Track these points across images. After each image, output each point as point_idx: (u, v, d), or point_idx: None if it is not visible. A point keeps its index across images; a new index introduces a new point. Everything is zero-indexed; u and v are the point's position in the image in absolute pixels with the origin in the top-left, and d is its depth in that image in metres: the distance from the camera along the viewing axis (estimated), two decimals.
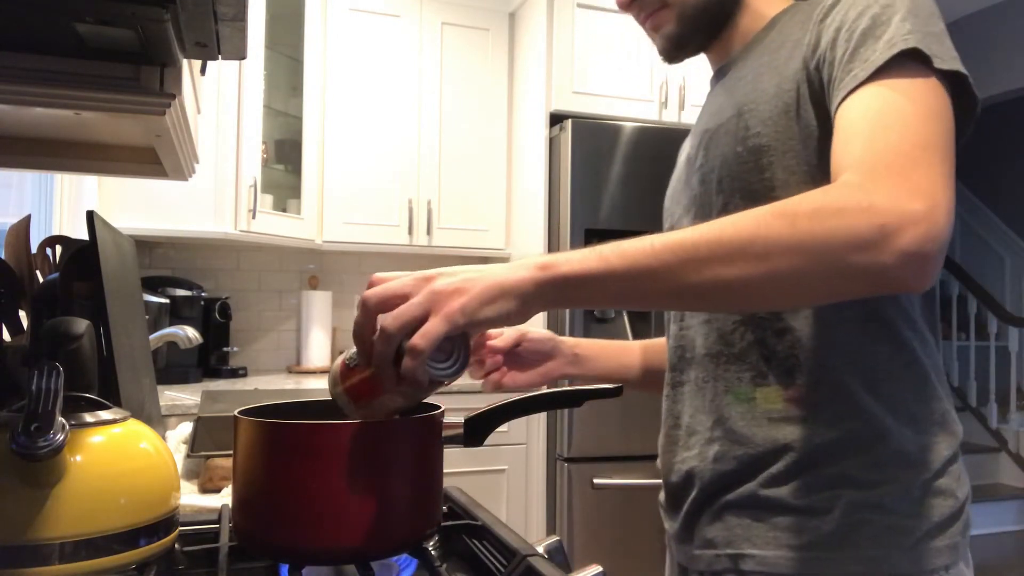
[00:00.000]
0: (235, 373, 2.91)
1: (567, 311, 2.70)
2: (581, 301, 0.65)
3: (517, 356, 1.00)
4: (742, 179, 0.80)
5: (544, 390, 0.83)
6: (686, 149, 0.94)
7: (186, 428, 1.40)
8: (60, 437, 0.55)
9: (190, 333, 1.53)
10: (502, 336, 0.98)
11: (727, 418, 0.81)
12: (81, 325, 0.80)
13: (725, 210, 0.80)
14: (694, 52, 0.91)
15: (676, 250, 0.62)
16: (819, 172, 0.75)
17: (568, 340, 1.04)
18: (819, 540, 0.74)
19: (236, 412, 0.70)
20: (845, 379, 0.76)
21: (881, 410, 0.75)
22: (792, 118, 0.76)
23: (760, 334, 0.79)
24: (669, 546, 0.92)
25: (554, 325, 2.78)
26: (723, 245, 0.61)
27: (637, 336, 2.82)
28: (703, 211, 0.85)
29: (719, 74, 0.91)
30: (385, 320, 0.61)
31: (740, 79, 0.85)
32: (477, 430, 0.75)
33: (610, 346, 1.07)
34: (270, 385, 2.70)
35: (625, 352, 1.07)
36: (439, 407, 0.73)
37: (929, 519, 0.74)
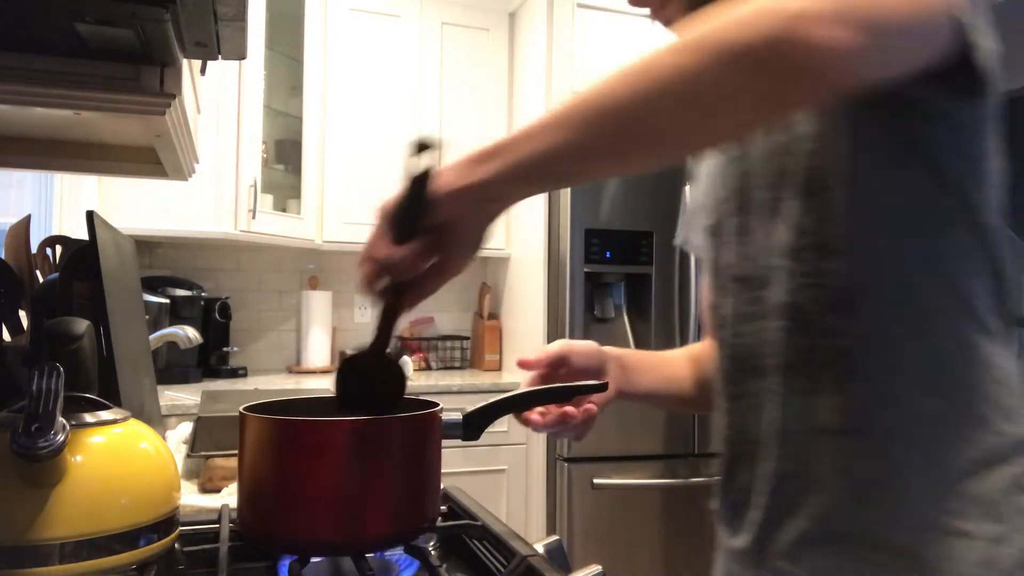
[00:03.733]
0: (235, 373, 2.91)
1: (567, 312, 2.70)
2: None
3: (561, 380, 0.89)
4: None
5: (531, 388, 0.84)
6: None
7: (186, 428, 1.40)
8: (60, 437, 0.55)
9: (190, 333, 1.53)
10: (540, 359, 0.88)
11: (787, 432, 0.74)
12: (81, 325, 0.80)
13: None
14: None
15: (565, 110, 0.60)
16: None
17: (611, 351, 0.93)
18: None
19: (242, 408, 0.71)
20: (904, 381, 0.69)
21: (942, 410, 0.68)
22: None
23: (814, 339, 0.72)
24: (727, 563, 0.83)
25: (554, 324, 2.78)
26: (614, 75, 0.59)
27: (637, 337, 2.82)
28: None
29: None
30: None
31: None
32: (474, 425, 0.78)
33: (654, 357, 0.98)
34: (270, 385, 2.70)
35: (670, 364, 0.97)
36: (437, 404, 0.75)
37: (1020, 545, 0.66)
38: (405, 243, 0.64)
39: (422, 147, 0.64)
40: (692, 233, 0.95)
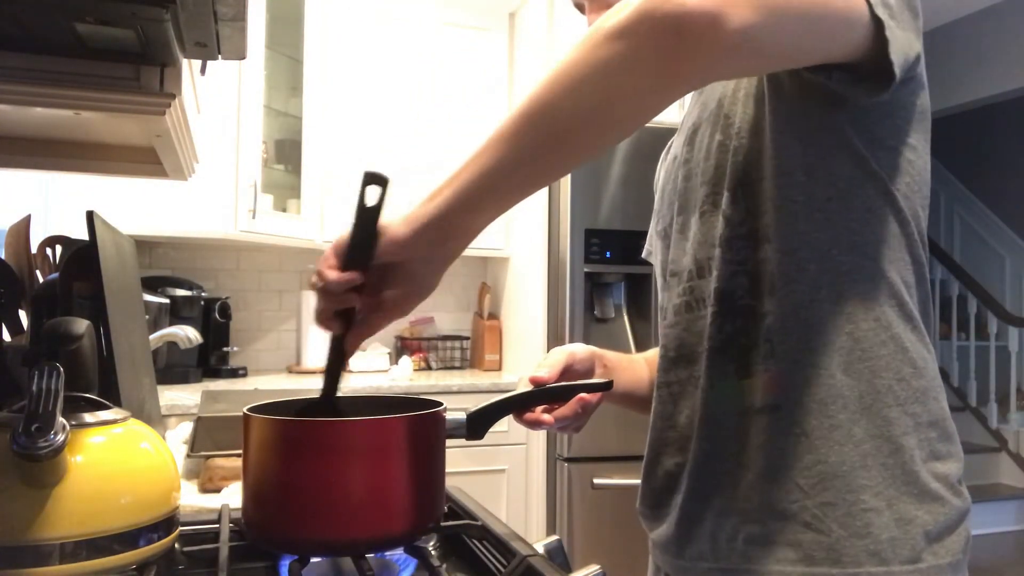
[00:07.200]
0: (235, 373, 2.91)
1: (567, 312, 2.70)
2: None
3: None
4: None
5: (534, 387, 0.84)
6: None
7: (186, 428, 1.40)
8: (60, 437, 0.55)
9: (190, 333, 1.53)
10: (547, 370, 0.87)
11: (713, 413, 0.77)
12: (81, 325, 0.80)
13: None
14: None
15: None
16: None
17: (596, 352, 0.96)
18: (824, 554, 0.69)
19: (245, 409, 0.71)
20: (822, 360, 0.71)
21: (856, 388, 0.71)
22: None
23: (740, 323, 0.75)
24: (652, 557, 0.88)
25: (554, 324, 2.78)
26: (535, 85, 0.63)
27: (637, 337, 2.82)
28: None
29: None
30: None
31: None
32: (478, 424, 0.79)
33: (625, 358, 1.01)
34: (270, 385, 2.70)
35: (637, 365, 1.00)
36: (441, 404, 0.75)
37: (923, 527, 0.69)
38: (348, 272, 0.66)
39: (372, 180, 0.65)
40: (650, 242, 0.99)
